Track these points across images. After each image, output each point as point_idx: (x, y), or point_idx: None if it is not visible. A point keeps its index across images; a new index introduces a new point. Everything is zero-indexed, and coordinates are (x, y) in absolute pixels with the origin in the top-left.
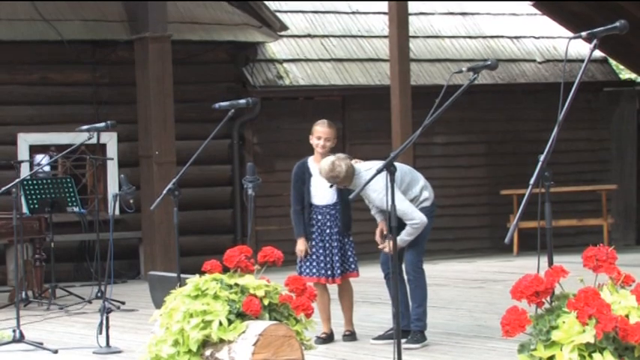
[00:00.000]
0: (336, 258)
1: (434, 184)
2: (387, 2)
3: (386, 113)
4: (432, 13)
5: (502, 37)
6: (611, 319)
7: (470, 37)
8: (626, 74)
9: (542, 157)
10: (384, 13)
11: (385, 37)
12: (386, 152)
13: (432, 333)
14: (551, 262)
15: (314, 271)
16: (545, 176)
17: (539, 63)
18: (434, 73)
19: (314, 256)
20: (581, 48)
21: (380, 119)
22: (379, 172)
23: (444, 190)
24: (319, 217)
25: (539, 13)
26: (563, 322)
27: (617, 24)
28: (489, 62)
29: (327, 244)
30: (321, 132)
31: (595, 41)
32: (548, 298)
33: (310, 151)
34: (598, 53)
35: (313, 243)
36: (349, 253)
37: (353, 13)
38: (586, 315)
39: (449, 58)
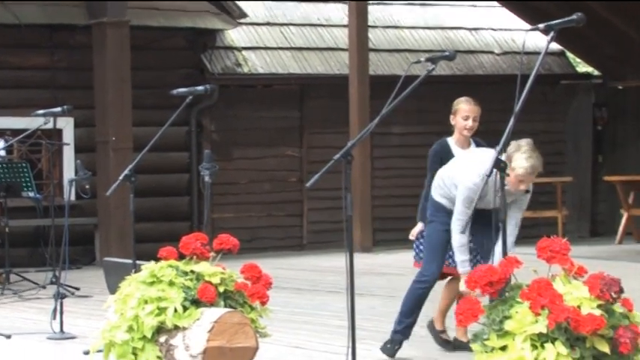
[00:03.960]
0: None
1: (391, 174)
2: None
3: (344, 103)
4: (392, 4)
5: (461, 28)
6: (563, 310)
7: (429, 28)
8: (583, 67)
9: (497, 148)
10: (344, 2)
11: (344, 26)
12: (343, 142)
13: (387, 322)
14: (506, 252)
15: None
16: (501, 167)
17: (498, 55)
18: (392, 63)
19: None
20: (539, 40)
21: (338, 108)
22: (335, 160)
23: (401, 180)
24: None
25: (498, 5)
26: (516, 312)
27: (574, 17)
28: (447, 53)
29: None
30: (468, 110)
31: (552, 34)
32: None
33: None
34: (556, 46)
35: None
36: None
37: (313, 1)
38: (539, 305)
39: (408, 49)
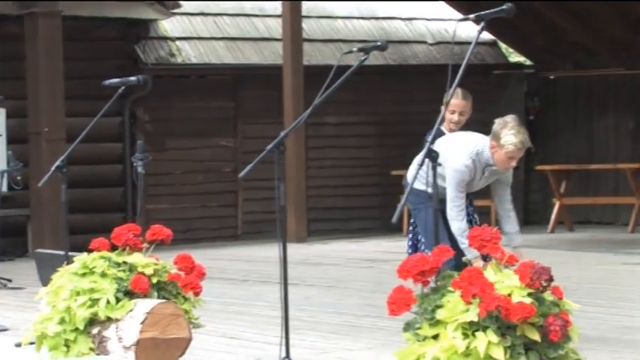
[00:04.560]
0: None
1: (325, 164)
2: None
3: (278, 93)
4: None
5: (395, 18)
6: (494, 299)
7: (363, 18)
8: (515, 57)
9: (429, 138)
10: None
11: (278, 16)
12: (278, 132)
13: (322, 312)
14: (437, 242)
15: None
16: (432, 157)
17: (431, 45)
18: (326, 53)
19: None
20: (472, 30)
21: (272, 99)
22: (268, 151)
23: (335, 170)
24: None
25: None
26: (448, 301)
27: (505, 7)
28: (379, 43)
29: None
30: (454, 104)
31: (482, 24)
32: (434, 277)
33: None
34: (488, 36)
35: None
36: None
37: None
38: (470, 294)
39: (342, 39)
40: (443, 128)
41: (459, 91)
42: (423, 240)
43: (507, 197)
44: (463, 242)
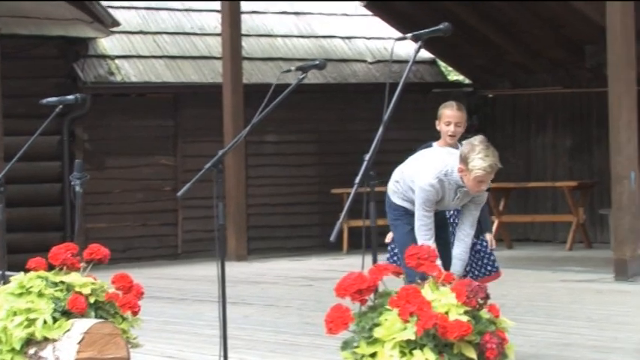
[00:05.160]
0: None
1: (265, 182)
2: (220, 1)
3: (218, 111)
4: (265, 12)
5: (334, 37)
6: (431, 317)
7: (302, 36)
8: (454, 76)
9: (367, 157)
10: (217, 11)
11: (218, 34)
12: (218, 150)
13: (261, 331)
14: (375, 260)
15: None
16: (370, 175)
17: (370, 63)
18: (266, 71)
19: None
20: (411, 49)
21: (212, 117)
22: (206, 170)
23: (275, 189)
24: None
25: (371, 14)
26: (386, 319)
27: (441, 26)
28: (318, 62)
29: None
30: (450, 116)
31: (420, 43)
32: (372, 296)
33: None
34: (427, 54)
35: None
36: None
37: (186, 10)
38: (407, 312)
39: (281, 57)
40: (435, 144)
41: (452, 102)
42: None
43: (472, 219)
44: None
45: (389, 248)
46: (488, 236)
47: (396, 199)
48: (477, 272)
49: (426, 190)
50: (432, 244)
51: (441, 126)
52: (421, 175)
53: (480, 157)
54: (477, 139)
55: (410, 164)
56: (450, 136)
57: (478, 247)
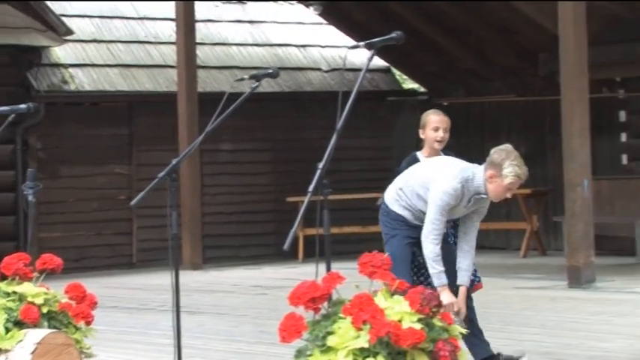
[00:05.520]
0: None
1: (221, 190)
2: (174, 9)
3: (173, 120)
4: (220, 21)
5: (289, 45)
6: (385, 325)
7: (257, 44)
8: (409, 84)
9: (320, 165)
10: (172, 20)
11: (172, 43)
12: (173, 159)
13: (215, 340)
14: (328, 269)
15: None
16: (324, 184)
17: (325, 72)
18: (221, 80)
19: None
20: (365, 57)
21: (167, 126)
22: (159, 178)
23: (230, 197)
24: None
25: (326, 23)
26: (339, 327)
27: (394, 35)
28: (271, 71)
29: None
30: (437, 121)
31: (372, 51)
32: (326, 304)
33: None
34: (382, 63)
35: None
36: None
37: (140, 18)
38: (360, 320)
39: (236, 66)
40: (419, 154)
41: (436, 109)
42: None
43: (475, 229)
44: (434, 267)
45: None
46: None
47: (396, 207)
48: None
49: (449, 193)
50: (438, 249)
51: (427, 133)
52: (445, 179)
53: (515, 163)
54: (509, 147)
55: (420, 170)
56: (438, 142)
57: None
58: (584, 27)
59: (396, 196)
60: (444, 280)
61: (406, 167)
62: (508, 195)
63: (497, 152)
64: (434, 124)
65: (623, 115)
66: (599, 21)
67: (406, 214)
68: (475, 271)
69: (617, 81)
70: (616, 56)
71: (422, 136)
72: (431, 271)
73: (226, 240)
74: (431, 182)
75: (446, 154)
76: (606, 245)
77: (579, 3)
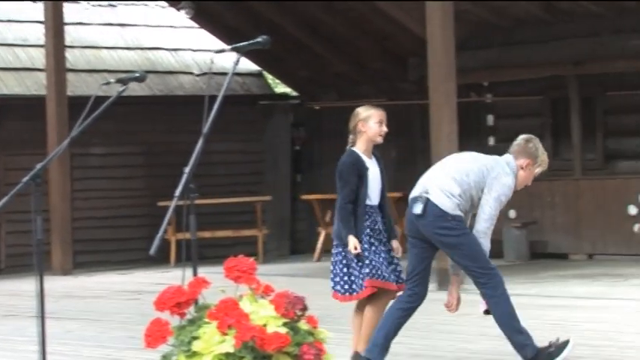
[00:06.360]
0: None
1: (92, 195)
2: (43, 11)
3: (42, 124)
4: (90, 24)
5: (160, 49)
6: (250, 329)
7: (128, 48)
8: (281, 88)
9: (187, 170)
10: (40, 22)
11: (41, 46)
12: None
13: (84, 346)
14: (195, 273)
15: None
16: (191, 188)
17: (197, 75)
18: (92, 83)
19: (380, 259)
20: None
21: (36, 129)
22: (24, 183)
23: (102, 202)
24: (377, 218)
25: (198, 27)
26: (204, 332)
27: (260, 39)
28: (138, 74)
29: (384, 248)
30: (381, 115)
31: (238, 55)
32: (192, 309)
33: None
34: (254, 67)
35: (371, 247)
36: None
37: (8, 21)
38: (226, 325)
39: (107, 69)
40: (356, 149)
41: (370, 105)
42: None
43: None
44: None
45: (334, 271)
46: (395, 243)
47: (458, 212)
48: (393, 276)
49: (510, 187)
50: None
51: (368, 126)
52: (505, 172)
53: (545, 154)
54: (536, 138)
55: (471, 172)
56: (381, 135)
57: (393, 253)
58: (451, 32)
59: (457, 201)
60: None
61: (352, 162)
62: (529, 183)
63: (530, 141)
64: (378, 117)
65: (490, 120)
66: (467, 26)
67: (460, 213)
68: (400, 272)
69: (485, 85)
70: (484, 61)
71: (362, 129)
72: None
73: (98, 245)
74: (487, 181)
75: (374, 154)
76: None
77: (447, 8)
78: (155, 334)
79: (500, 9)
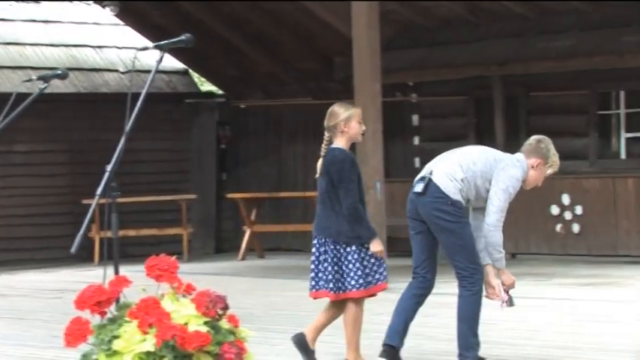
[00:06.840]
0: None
1: (15, 193)
2: None
3: None
4: (14, 20)
5: (85, 46)
6: (170, 328)
7: (53, 45)
8: (207, 86)
9: (109, 168)
10: None
11: None
12: None
13: (5, 345)
14: (117, 272)
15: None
16: (112, 187)
17: (123, 73)
18: (15, 80)
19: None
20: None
21: None
22: None
23: (25, 199)
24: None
25: (123, 24)
26: (125, 331)
27: (183, 37)
28: (60, 72)
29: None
30: (360, 113)
31: (162, 53)
32: (113, 308)
33: None
34: (180, 65)
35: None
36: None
37: None
38: (146, 324)
39: (31, 66)
40: (340, 145)
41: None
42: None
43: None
44: (501, 252)
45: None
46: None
47: (459, 197)
48: (376, 277)
49: (518, 179)
50: (501, 235)
51: (352, 126)
52: (513, 163)
53: (557, 155)
54: (548, 138)
55: (479, 161)
56: (363, 134)
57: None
58: (377, 32)
59: (459, 185)
60: (503, 263)
61: (352, 158)
62: (539, 184)
63: (541, 141)
64: (359, 117)
65: (415, 119)
66: (393, 27)
67: (463, 201)
68: (384, 269)
69: (410, 85)
70: (409, 61)
71: (344, 129)
72: (498, 256)
73: (21, 243)
74: (495, 172)
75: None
76: (399, 247)
77: (373, 8)
78: (75, 333)
79: (425, 9)
